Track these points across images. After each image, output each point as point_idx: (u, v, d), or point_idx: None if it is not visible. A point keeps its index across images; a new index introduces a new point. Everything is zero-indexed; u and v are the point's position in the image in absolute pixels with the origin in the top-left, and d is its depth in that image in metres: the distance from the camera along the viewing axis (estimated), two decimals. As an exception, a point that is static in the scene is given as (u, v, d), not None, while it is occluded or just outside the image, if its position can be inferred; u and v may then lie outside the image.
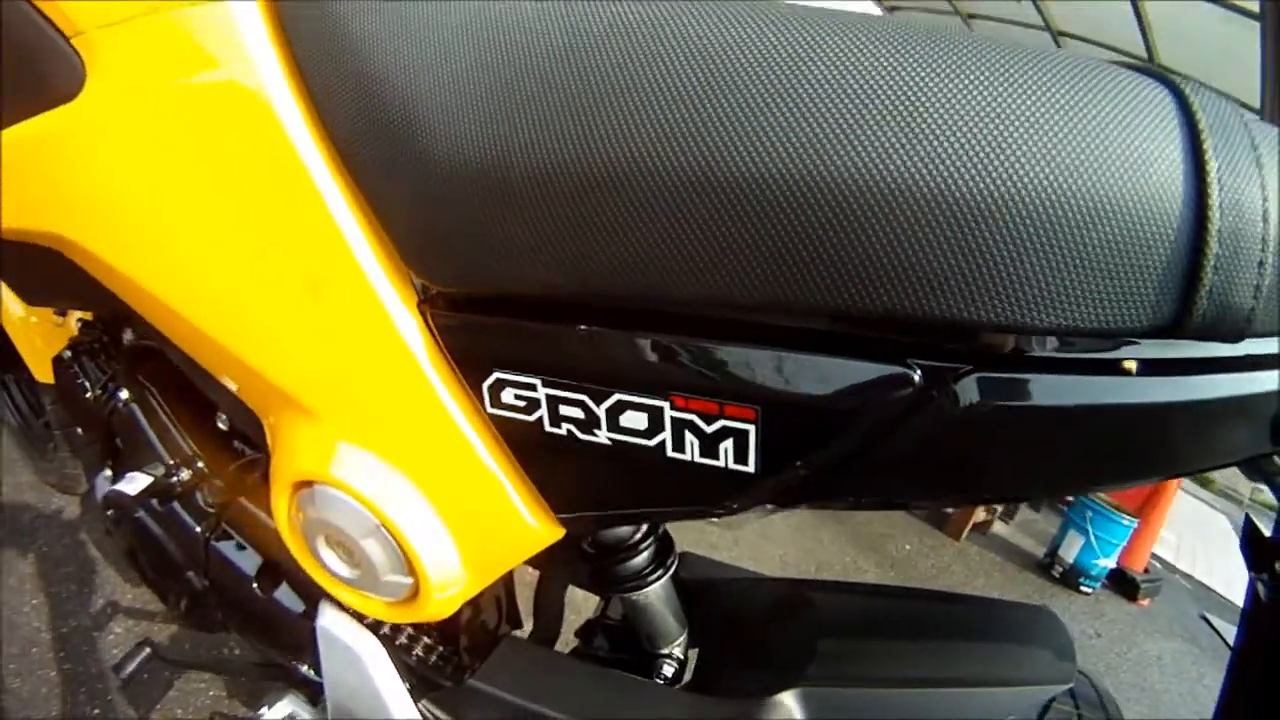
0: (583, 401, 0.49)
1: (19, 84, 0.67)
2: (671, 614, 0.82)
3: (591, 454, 0.51)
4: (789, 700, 0.62)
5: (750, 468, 0.45)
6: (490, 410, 0.54)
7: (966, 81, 0.34)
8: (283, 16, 0.53)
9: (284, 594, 0.92)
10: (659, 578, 0.79)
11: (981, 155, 0.33)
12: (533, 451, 0.55)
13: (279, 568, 0.92)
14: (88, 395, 1.19)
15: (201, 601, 0.99)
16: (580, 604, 1.01)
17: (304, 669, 0.96)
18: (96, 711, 1.62)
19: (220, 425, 0.95)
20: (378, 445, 0.60)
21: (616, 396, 0.47)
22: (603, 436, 0.49)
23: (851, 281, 0.36)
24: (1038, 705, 0.66)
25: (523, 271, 0.46)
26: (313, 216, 0.54)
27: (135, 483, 0.97)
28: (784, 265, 0.37)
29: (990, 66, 0.34)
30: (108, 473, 1.19)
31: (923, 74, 0.35)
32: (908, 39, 0.36)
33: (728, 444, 0.45)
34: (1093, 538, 4.44)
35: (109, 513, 1.00)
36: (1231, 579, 5.59)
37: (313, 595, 0.86)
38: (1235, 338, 0.34)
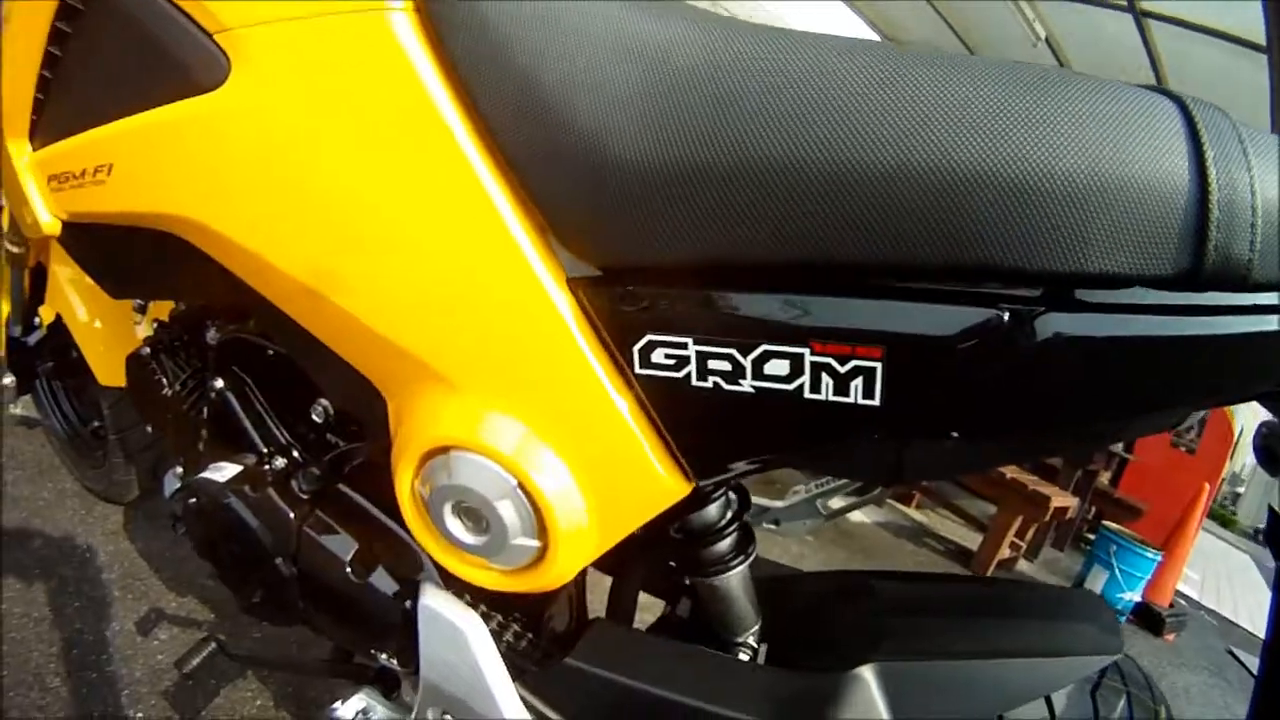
0: (731, 355, 0.54)
1: (155, 75, 0.73)
2: (749, 601, 0.82)
3: (734, 402, 0.55)
4: (868, 674, 0.65)
5: (876, 401, 0.51)
6: (639, 371, 0.58)
7: (1032, 97, 0.45)
8: (435, 18, 0.58)
9: (379, 578, 0.90)
10: (743, 562, 0.80)
11: (1050, 148, 0.44)
12: (677, 406, 0.58)
13: (374, 553, 0.90)
14: (164, 391, 1.19)
15: (281, 592, 0.95)
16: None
17: (384, 658, 0.93)
18: (140, 715, 1.51)
19: (315, 417, 0.93)
20: (520, 410, 0.63)
21: (763, 347, 0.53)
22: (747, 385, 0.54)
23: (958, 244, 0.45)
24: (1090, 676, 0.71)
25: (679, 246, 0.52)
26: (467, 200, 0.58)
27: (224, 471, 0.97)
28: (908, 235, 0.46)
29: (1045, 85, 0.46)
30: (179, 469, 1.20)
31: (999, 91, 0.46)
32: (986, 69, 0.47)
33: (858, 381, 0.51)
34: (1118, 571, 4.31)
35: (191, 501, 0.99)
36: (1257, 615, 5.40)
37: (409, 578, 0.87)
38: (1240, 284, 0.44)
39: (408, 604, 0.87)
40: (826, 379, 0.52)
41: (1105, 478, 5.21)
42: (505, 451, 0.62)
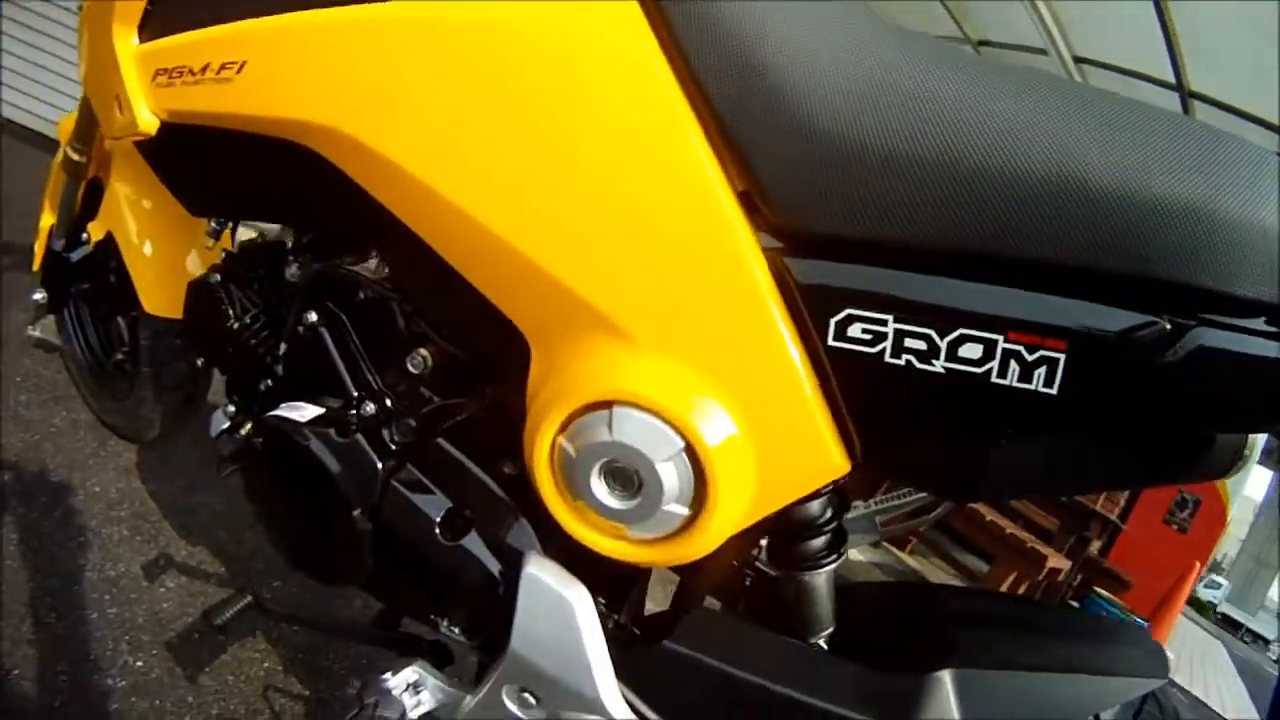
0: (929, 335, 0.55)
1: None
2: (829, 601, 0.80)
3: (923, 381, 0.56)
4: (946, 678, 0.66)
5: (1054, 390, 0.54)
6: (831, 343, 0.58)
7: (1194, 147, 0.51)
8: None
9: (471, 542, 0.83)
10: (835, 561, 0.78)
11: (1214, 189, 0.49)
12: (864, 381, 0.59)
13: (469, 515, 0.84)
14: (229, 323, 1.11)
15: (352, 547, 0.87)
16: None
17: (447, 626, 0.87)
18: (139, 663, 1.37)
19: (411, 366, 0.87)
20: (700, 371, 0.61)
21: (960, 331, 0.55)
22: (939, 365, 0.55)
23: (1134, 256, 0.50)
24: (1137, 697, 0.75)
25: (892, 227, 0.55)
26: (674, 158, 0.58)
27: (303, 411, 0.90)
28: (1095, 244, 0.51)
29: (1188, 135, 0.52)
30: (230, 407, 1.14)
31: (1171, 140, 0.52)
32: (1155, 118, 0.54)
33: (1041, 370, 0.54)
34: (1104, 639, 4.19)
35: (260, 439, 0.93)
36: (1226, 697, 5.31)
37: (505, 545, 0.82)
38: None
39: (498, 571, 0.82)
40: (1014, 365, 0.54)
41: (1095, 546, 5.14)
42: (678, 411, 0.60)
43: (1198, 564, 4.72)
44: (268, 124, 0.78)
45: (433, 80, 0.65)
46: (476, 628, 0.86)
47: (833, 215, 0.56)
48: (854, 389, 0.59)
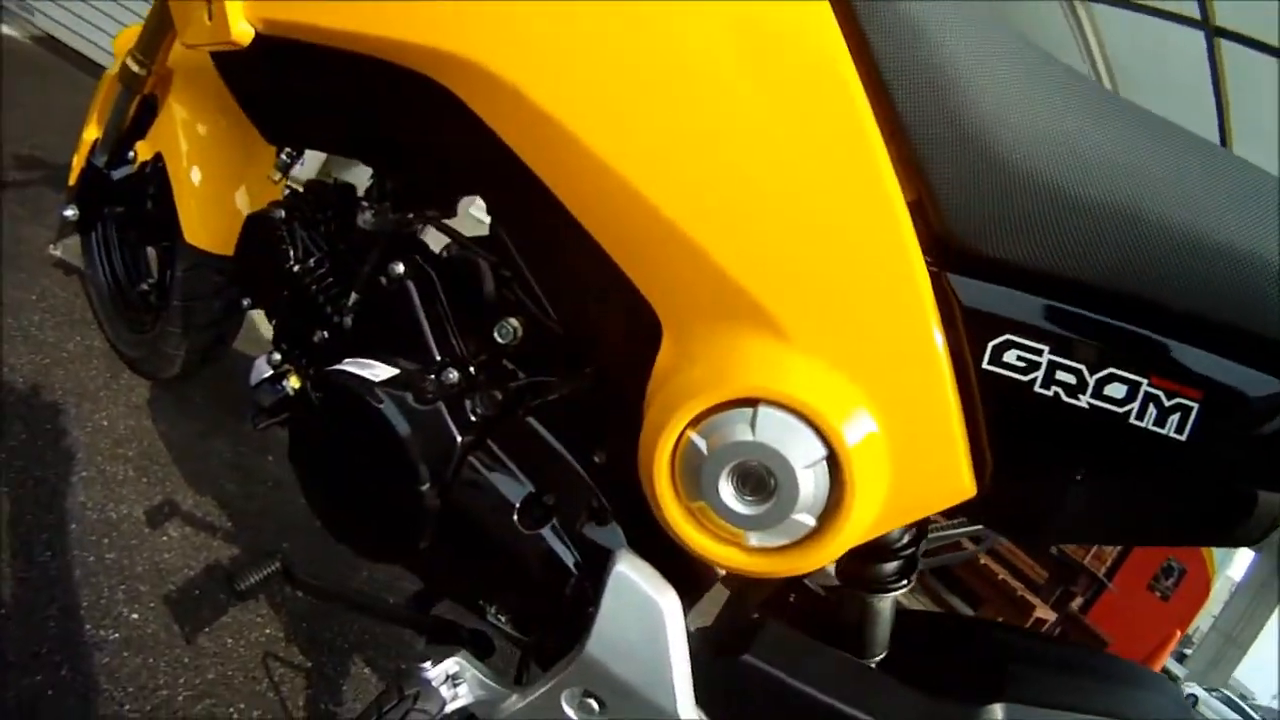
0: (1079, 370, 0.56)
1: None
2: (888, 626, 0.78)
3: (1067, 414, 0.56)
4: (999, 713, 0.65)
5: (1183, 437, 0.55)
6: (985, 366, 0.58)
7: None
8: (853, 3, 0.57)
9: (551, 532, 0.78)
10: (904, 587, 0.76)
11: None
12: (1011, 408, 0.58)
13: (553, 502, 0.79)
14: (288, 264, 1.04)
15: (413, 522, 0.81)
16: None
17: (492, 614, 0.83)
18: (135, 616, 1.25)
19: (498, 336, 0.82)
20: (853, 380, 0.60)
21: (1110, 370, 0.55)
22: (1084, 401, 0.56)
23: (1267, 321, 0.53)
24: None
25: (1064, 262, 0.55)
26: (855, 161, 0.57)
27: (374, 369, 0.84)
28: (1240, 305, 0.53)
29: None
30: (275, 355, 1.09)
31: None
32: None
33: (1175, 416, 0.55)
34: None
35: (320, 394, 0.86)
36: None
37: (585, 539, 0.77)
38: None
39: (575, 566, 0.77)
40: (1153, 409, 0.55)
41: (1078, 602, 5.07)
42: (828, 417, 0.58)
43: (1178, 632, 4.65)
44: (392, 49, 0.72)
45: (614, 38, 0.61)
46: (533, 622, 0.81)
47: (1005, 241, 0.56)
48: (999, 414, 0.59)
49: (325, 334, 0.99)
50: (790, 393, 0.58)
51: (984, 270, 0.58)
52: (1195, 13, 4.49)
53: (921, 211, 0.58)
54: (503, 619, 0.82)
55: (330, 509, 0.91)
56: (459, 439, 0.80)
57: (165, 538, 1.42)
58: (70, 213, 1.70)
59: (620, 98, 0.61)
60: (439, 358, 0.84)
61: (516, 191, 0.70)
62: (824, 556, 0.61)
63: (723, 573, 0.85)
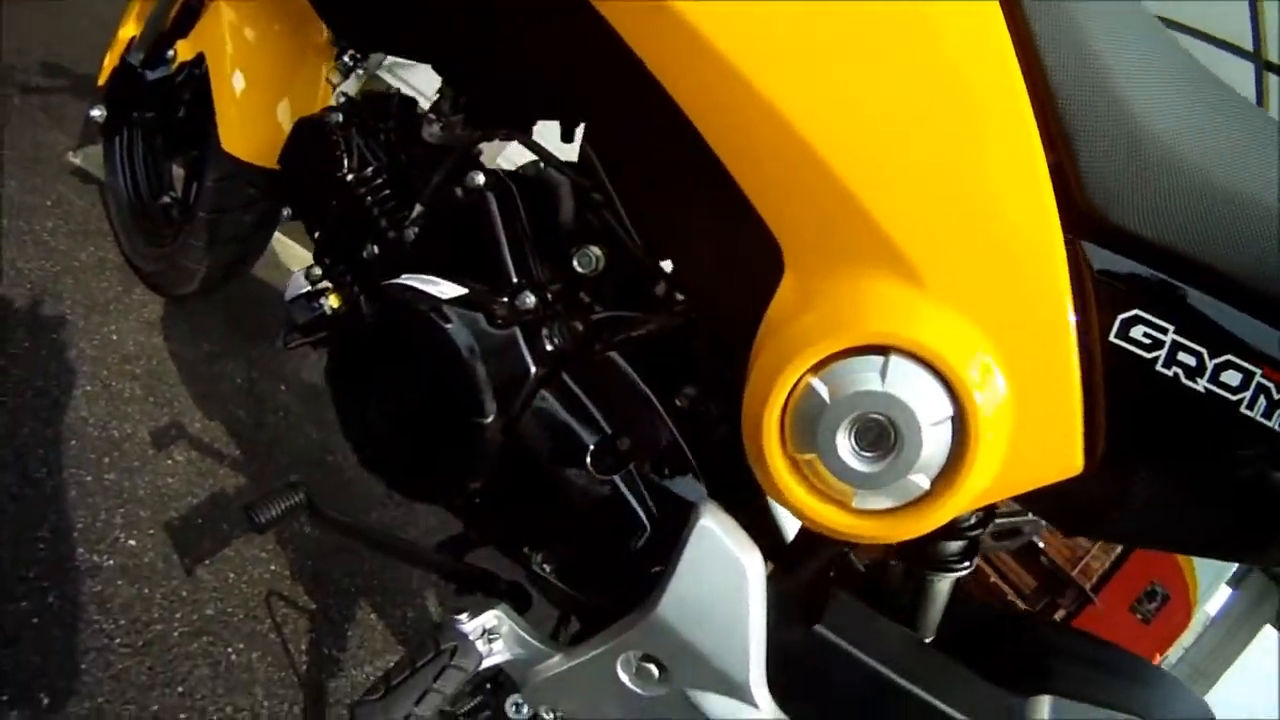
0: (1200, 354, 0.54)
1: None
2: (940, 609, 0.74)
3: (1183, 397, 0.54)
4: (1046, 703, 0.64)
5: None
6: (1112, 338, 0.55)
7: None
8: None
9: (629, 477, 0.72)
10: (965, 569, 0.72)
11: None
12: (1131, 384, 0.56)
13: (626, 446, 0.73)
14: (342, 172, 0.95)
15: (469, 456, 0.74)
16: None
17: (537, 563, 0.77)
18: (133, 543, 1.13)
19: (578, 265, 0.75)
20: (986, 337, 0.56)
21: (1228, 357, 0.53)
22: (1200, 385, 0.54)
23: None
24: None
25: (1200, 246, 0.54)
26: (998, 107, 0.55)
27: (440, 287, 0.76)
28: None
29: None
30: (316, 269, 1.00)
31: None
32: None
33: None
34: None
35: (376, 309, 0.78)
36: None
37: (663, 488, 0.72)
38: None
39: (647, 518, 0.71)
40: (1263, 400, 0.54)
41: (1061, 614, 4.96)
42: (961, 374, 0.54)
43: (1156, 656, 4.56)
44: None
45: None
46: (587, 576, 0.76)
47: (1141, 217, 0.55)
48: (1119, 391, 0.56)
49: (377, 249, 0.90)
50: (926, 343, 0.54)
51: (1118, 243, 0.55)
52: (1248, 44, 4.35)
53: (1060, 177, 0.55)
54: (547, 569, 0.76)
55: (370, 438, 0.82)
56: (532, 369, 0.72)
57: (170, 461, 1.30)
58: (97, 113, 1.57)
59: (779, 24, 0.57)
60: (515, 279, 0.75)
61: (632, 111, 0.67)
62: (928, 523, 0.57)
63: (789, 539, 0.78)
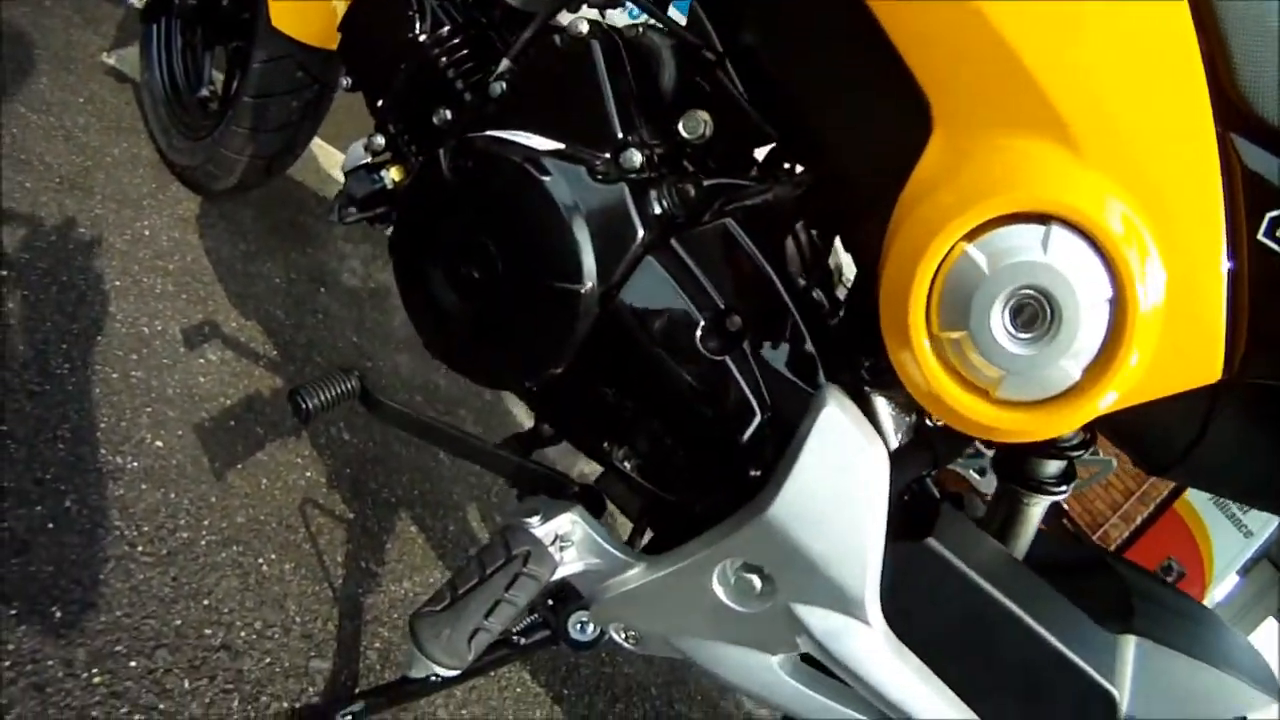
0: None
1: None
2: (1030, 535, 0.68)
3: None
4: (1131, 643, 0.60)
5: None
6: (1259, 238, 0.50)
7: None
8: None
9: (738, 360, 0.62)
10: (1061, 493, 0.66)
11: None
12: (1274, 285, 0.50)
13: (738, 325, 0.62)
14: (413, 34, 0.85)
15: (556, 328, 0.65)
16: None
17: (619, 458, 0.68)
18: (159, 444, 1.00)
19: (684, 130, 0.65)
20: (1144, 220, 0.50)
21: None
22: None
23: None
24: (1249, 711, 0.64)
25: None
26: (1166, 5, 0.49)
27: (533, 139, 0.67)
28: None
29: None
30: (379, 138, 0.89)
31: None
32: None
33: None
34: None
35: (458, 162, 0.69)
36: None
37: (778, 373, 0.62)
38: None
39: (759, 405, 0.62)
40: None
41: None
42: (1125, 255, 0.48)
43: None
44: None
45: None
46: (679, 473, 0.66)
47: None
48: (1263, 293, 0.50)
49: (451, 115, 0.79)
50: (1091, 215, 0.48)
51: (1268, 141, 0.50)
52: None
53: (1212, 68, 0.50)
54: (631, 465, 0.67)
55: (440, 315, 0.73)
56: (640, 232, 0.63)
57: (202, 361, 1.16)
58: (138, 1, 1.40)
59: None
60: (620, 135, 0.64)
61: None
62: (1072, 420, 0.51)
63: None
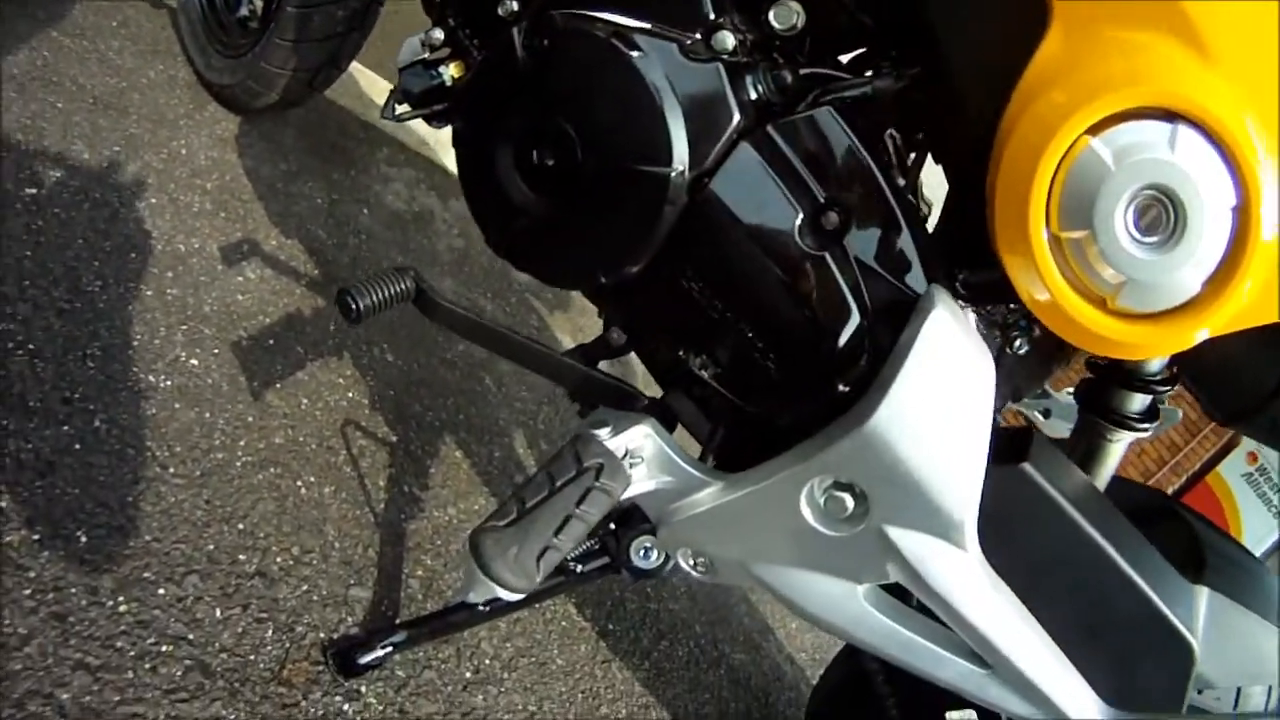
0: None
1: None
2: (1110, 474, 0.63)
3: None
4: (1205, 595, 0.58)
5: None
6: None
7: None
8: None
9: (838, 256, 0.55)
10: (1144, 430, 0.62)
11: None
12: None
13: (839, 217, 0.55)
14: None
15: (641, 219, 0.57)
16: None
17: (697, 365, 0.61)
18: (194, 362, 0.90)
19: (774, 20, 0.58)
20: (1266, 129, 0.45)
21: None
22: None
23: None
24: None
25: None
26: None
27: (619, 18, 0.59)
28: None
29: None
30: (436, 34, 0.80)
31: None
32: None
33: None
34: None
35: (531, 43, 0.62)
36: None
37: (880, 273, 0.56)
38: None
39: (857, 305, 0.55)
40: None
41: None
42: (1253, 161, 0.44)
43: None
44: None
45: None
46: (764, 382, 0.59)
47: None
48: None
49: (517, 4, 0.68)
50: (1220, 118, 0.44)
51: None
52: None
53: None
54: (710, 374, 0.61)
55: (508, 208, 0.66)
56: (735, 115, 0.57)
57: (240, 278, 1.05)
58: None
59: None
60: (712, 16, 0.58)
61: None
62: (1188, 336, 0.47)
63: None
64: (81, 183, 1.04)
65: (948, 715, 0.74)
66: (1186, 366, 0.63)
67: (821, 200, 0.56)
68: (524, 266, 0.70)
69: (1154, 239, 0.46)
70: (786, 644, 1.38)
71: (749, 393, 0.61)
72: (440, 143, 1.81)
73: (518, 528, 0.55)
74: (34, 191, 0.97)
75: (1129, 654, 0.57)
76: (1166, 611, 0.55)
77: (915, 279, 0.56)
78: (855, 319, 0.55)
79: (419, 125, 1.90)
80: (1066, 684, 0.57)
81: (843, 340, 0.55)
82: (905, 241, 0.56)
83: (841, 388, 0.56)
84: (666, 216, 0.57)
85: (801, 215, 0.56)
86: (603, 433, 0.61)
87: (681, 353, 0.63)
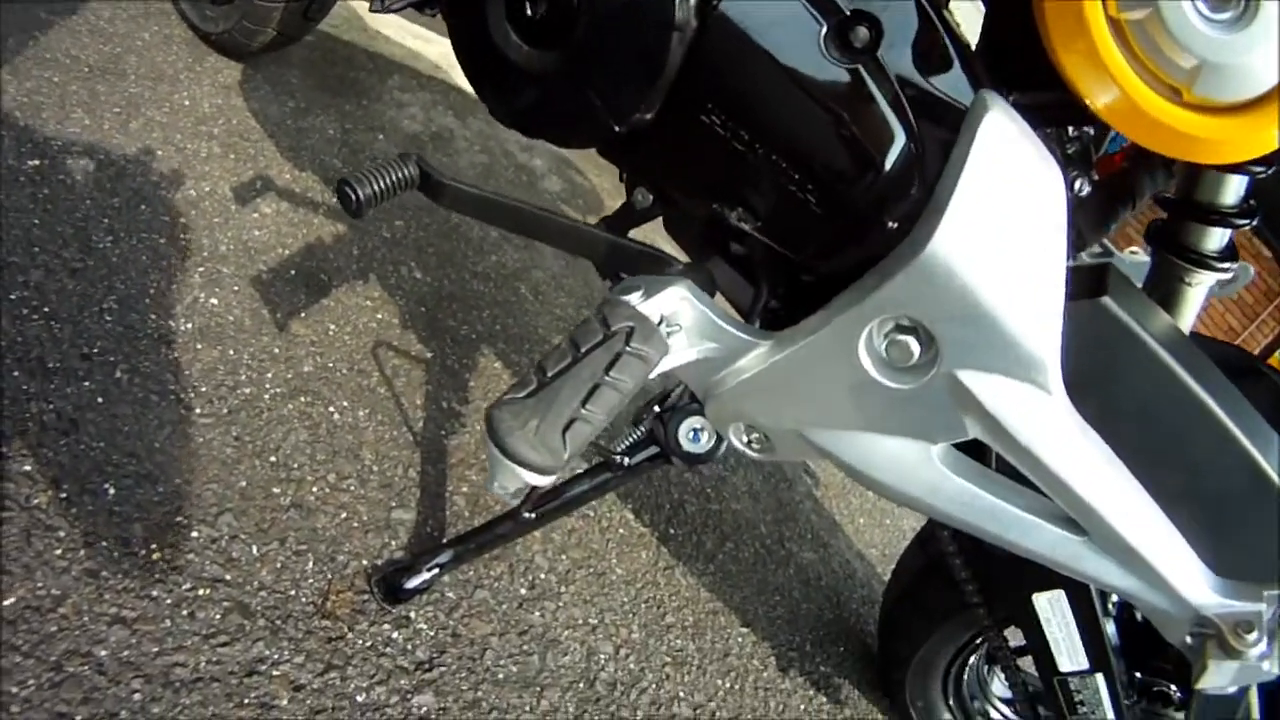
0: None
1: None
2: (1186, 323, 0.56)
3: None
4: None
5: None
6: None
7: None
8: None
9: (873, 69, 0.46)
10: (1228, 271, 0.54)
11: None
12: None
13: (870, 27, 0.45)
14: None
15: (653, 64, 0.48)
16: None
17: (736, 217, 0.50)
18: (214, 302, 0.80)
19: None
20: None
21: None
22: None
23: None
24: None
25: None
26: None
27: None
28: None
29: None
30: None
31: None
32: None
33: None
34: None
35: None
36: None
37: (922, 85, 0.46)
38: None
39: (904, 124, 0.45)
40: None
41: None
42: None
43: None
44: None
45: None
46: (811, 225, 0.48)
47: None
48: None
49: None
50: None
51: None
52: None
53: None
54: (750, 224, 0.50)
55: (509, 72, 0.57)
56: None
57: (255, 215, 0.94)
58: None
59: None
60: None
61: None
62: (1264, 139, 0.39)
63: None
64: (84, 146, 0.93)
65: (1033, 598, 0.62)
66: (1265, 199, 0.54)
67: (847, 13, 0.45)
68: (534, 131, 0.60)
69: (1224, 14, 0.39)
70: (855, 540, 1.25)
71: (792, 239, 0.50)
72: (454, 65, 1.63)
73: (539, 398, 0.44)
74: (36, 163, 0.87)
75: (1228, 515, 0.49)
76: (1260, 459, 0.46)
77: (962, 90, 0.46)
78: (899, 138, 0.45)
79: (429, 50, 1.73)
80: (1171, 548, 0.47)
81: (888, 163, 0.45)
82: (947, 51, 0.46)
83: (892, 224, 0.46)
84: (675, 46, 0.48)
85: (825, 28, 0.46)
86: (633, 296, 0.49)
87: (716, 205, 0.51)
